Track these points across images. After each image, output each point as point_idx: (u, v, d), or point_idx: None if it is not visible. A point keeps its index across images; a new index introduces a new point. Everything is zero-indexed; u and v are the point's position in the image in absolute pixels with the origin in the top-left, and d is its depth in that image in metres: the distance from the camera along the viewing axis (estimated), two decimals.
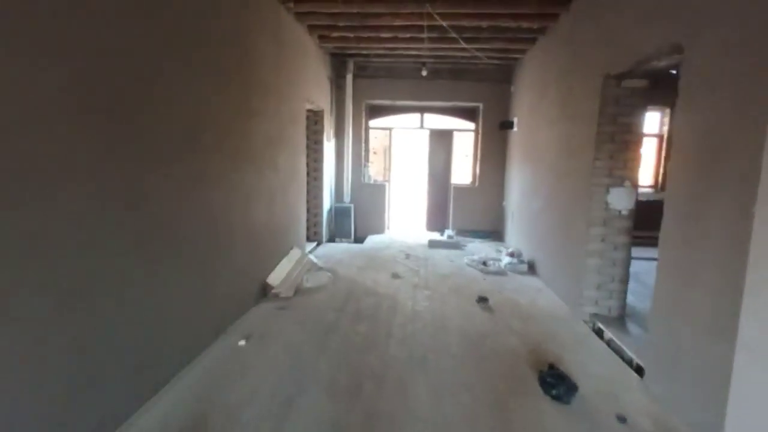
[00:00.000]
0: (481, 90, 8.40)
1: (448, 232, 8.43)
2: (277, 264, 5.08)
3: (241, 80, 4.02)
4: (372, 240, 8.19)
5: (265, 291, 4.68)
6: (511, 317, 4.32)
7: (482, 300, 4.64)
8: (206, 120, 3.35)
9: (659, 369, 2.93)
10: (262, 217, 4.61)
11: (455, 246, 7.64)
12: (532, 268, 6.05)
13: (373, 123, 9.10)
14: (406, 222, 10.51)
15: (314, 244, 7.51)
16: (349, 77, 8.17)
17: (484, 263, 6.28)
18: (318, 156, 7.54)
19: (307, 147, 7.36)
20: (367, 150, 9.07)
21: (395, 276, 5.69)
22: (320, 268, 5.88)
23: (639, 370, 3.23)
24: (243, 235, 4.11)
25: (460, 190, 8.83)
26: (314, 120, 7.46)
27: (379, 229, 8.90)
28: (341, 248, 7.40)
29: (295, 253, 5.60)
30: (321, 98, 7.21)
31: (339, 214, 8.17)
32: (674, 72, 3.45)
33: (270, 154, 4.79)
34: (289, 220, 5.61)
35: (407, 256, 6.87)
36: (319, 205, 7.66)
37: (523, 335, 3.89)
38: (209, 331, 3.51)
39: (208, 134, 3.39)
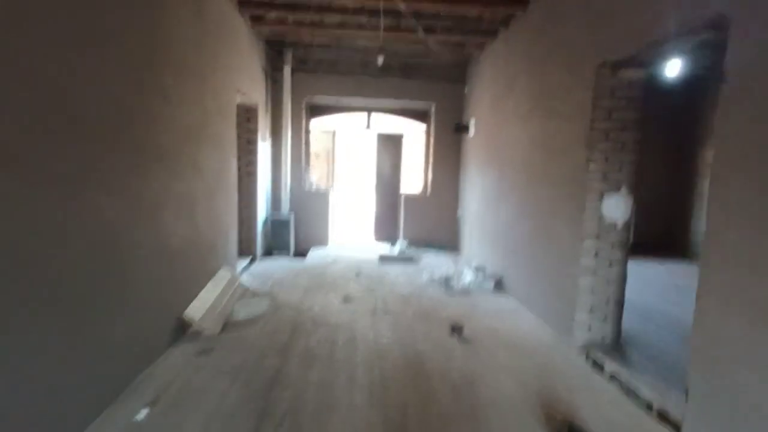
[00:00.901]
0: (433, 89, 7.77)
1: (400, 244, 7.67)
2: (200, 291, 4.00)
3: (149, 54, 2.97)
4: (316, 254, 7.21)
5: (183, 328, 3.59)
6: (496, 350, 3.58)
7: (457, 329, 3.87)
8: (89, 95, 2.29)
9: (710, 427, 2.27)
10: (180, 231, 3.53)
11: (409, 260, 6.88)
12: (499, 285, 5.41)
13: (314, 123, 8.16)
14: (352, 233, 9.62)
15: (248, 260, 6.41)
16: (287, 70, 7.19)
17: (447, 281, 5.56)
18: (252, 158, 6.48)
19: (239, 147, 6.30)
20: (308, 153, 8.11)
21: (347, 299, 4.79)
22: (255, 294, 4.83)
23: (663, 417, 2.59)
24: (151, 256, 3.03)
25: (412, 199, 8.11)
26: (246, 116, 6.40)
27: (323, 241, 7.95)
28: (280, 265, 6.36)
29: (222, 275, 4.53)
30: (254, 91, 6.18)
31: (277, 225, 7.12)
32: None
33: (190, 151, 3.74)
34: (216, 234, 4.54)
35: (358, 273, 5.99)
36: (253, 215, 6.58)
37: (517, 374, 3.15)
38: (93, 400, 2.41)
39: (93, 115, 2.33)
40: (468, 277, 5.61)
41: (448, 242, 8.06)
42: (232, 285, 4.52)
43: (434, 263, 6.83)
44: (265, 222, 7.06)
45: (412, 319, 4.23)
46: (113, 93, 2.54)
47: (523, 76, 5.00)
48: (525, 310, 4.60)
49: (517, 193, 5.02)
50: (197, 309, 3.73)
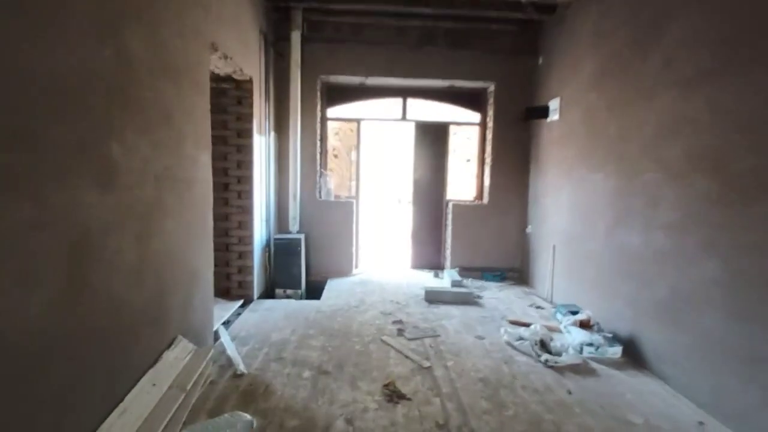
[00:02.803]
0: (491, 64, 5.74)
1: (449, 274, 5.63)
2: (118, 406, 2.04)
3: None
4: (335, 291, 5.22)
5: None
6: None
7: None
8: None
9: None
10: (49, 299, 1.59)
11: (467, 299, 4.83)
12: (631, 352, 3.34)
13: (333, 112, 6.21)
14: (383, 257, 7.62)
15: (238, 303, 4.46)
16: (296, 37, 5.26)
17: (543, 344, 3.50)
18: (245, 158, 4.55)
19: (226, 142, 4.39)
20: (324, 151, 6.16)
21: (393, 394, 2.78)
22: (234, 414, 2.86)
23: None
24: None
25: (462, 209, 6.06)
26: (235, 96, 4.48)
27: (345, 270, 5.97)
28: (285, 312, 4.37)
29: (171, 362, 2.56)
30: (246, 60, 4.24)
31: (282, 250, 5.16)
32: None
33: (78, 133, 1.80)
34: (165, 287, 2.59)
35: (399, 328, 3.97)
36: (248, 239, 4.64)
37: None
38: None
39: None
40: (573, 335, 3.55)
41: (512, 268, 5.98)
42: (191, 377, 2.54)
43: (503, 303, 4.77)
44: (266, 246, 5.10)
45: None
46: None
47: (687, 12, 2.93)
48: (711, 418, 2.51)
49: (675, 208, 2.94)
50: None
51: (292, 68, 5.29)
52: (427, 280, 5.82)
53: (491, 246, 6.02)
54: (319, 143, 5.95)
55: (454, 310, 4.52)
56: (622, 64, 3.70)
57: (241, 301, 4.55)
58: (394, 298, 4.93)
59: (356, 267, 6.31)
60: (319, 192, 5.92)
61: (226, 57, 3.66)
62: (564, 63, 4.86)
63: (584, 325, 3.69)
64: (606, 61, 3.98)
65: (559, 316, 4.23)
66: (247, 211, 4.59)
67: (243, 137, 4.52)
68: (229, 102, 4.46)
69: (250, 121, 4.50)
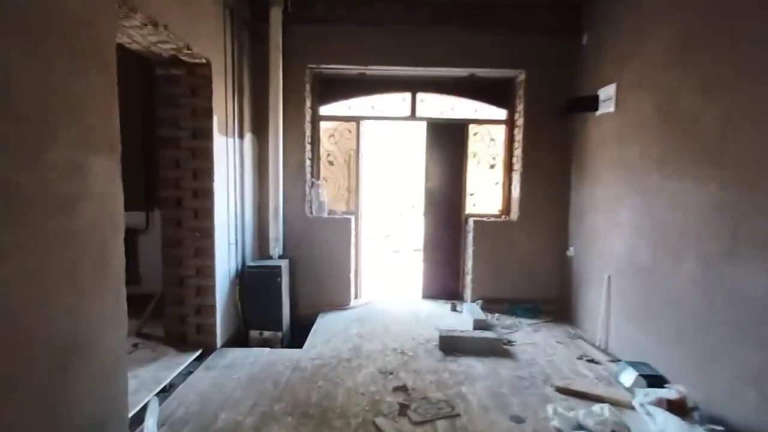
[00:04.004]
0: (521, 48, 4.61)
1: (471, 307, 4.48)
2: None
3: None
4: (325, 332, 4.11)
5: None
6: None
7: None
8: None
9: None
10: None
11: (494, 348, 3.67)
12: None
13: (327, 109, 5.15)
14: (389, 281, 6.53)
15: (191, 357, 3.39)
16: (276, 15, 4.22)
17: None
18: (203, 166, 3.50)
19: (177, 145, 3.36)
20: (316, 157, 5.09)
21: None
22: None
23: None
24: None
25: (485, 226, 4.91)
26: (189, 84, 3.44)
27: (341, 301, 4.86)
28: (246, 372, 3.27)
29: None
30: (194, 30, 3.19)
31: (257, 282, 4.07)
32: None
33: None
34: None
35: (402, 402, 2.83)
36: (209, 270, 3.57)
37: None
38: None
39: None
40: (665, 427, 2.37)
41: (549, 300, 4.79)
42: None
43: (542, 352, 3.60)
44: (236, 277, 4.03)
45: None
46: None
47: None
48: None
49: None
50: None
51: (272, 54, 4.25)
52: (442, 315, 4.67)
53: (522, 272, 4.84)
54: (309, 147, 4.89)
55: (478, 366, 3.36)
56: (726, 27, 2.54)
57: (197, 353, 3.47)
58: (399, 344, 3.80)
59: (356, 297, 5.19)
60: (310, 207, 4.85)
61: (155, 25, 2.61)
62: (621, 38, 3.70)
63: (675, 407, 2.50)
64: (694, 25, 2.81)
65: (625, 377, 3.05)
66: (208, 233, 3.53)
67: (200, 138, 3.47)
68: (180, 92, 3.43)
69: (209, 118, 3.45)
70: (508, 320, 4.48)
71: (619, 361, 3.39)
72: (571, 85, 4.53)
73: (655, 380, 2.88)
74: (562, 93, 4.55)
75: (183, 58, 3.23)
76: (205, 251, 3.54)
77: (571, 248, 4.58)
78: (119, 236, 2.24)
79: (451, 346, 3.70)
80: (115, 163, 2.20)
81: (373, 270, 7.11)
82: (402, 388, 2.99)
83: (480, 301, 4.73)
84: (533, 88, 4.67)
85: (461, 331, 3.89)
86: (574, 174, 4.60)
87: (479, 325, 4.05)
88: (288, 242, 4.68)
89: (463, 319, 4.48)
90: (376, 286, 5.91)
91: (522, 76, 4.72)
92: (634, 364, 3.09)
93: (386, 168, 11.86)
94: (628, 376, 3.01)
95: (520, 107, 4.81)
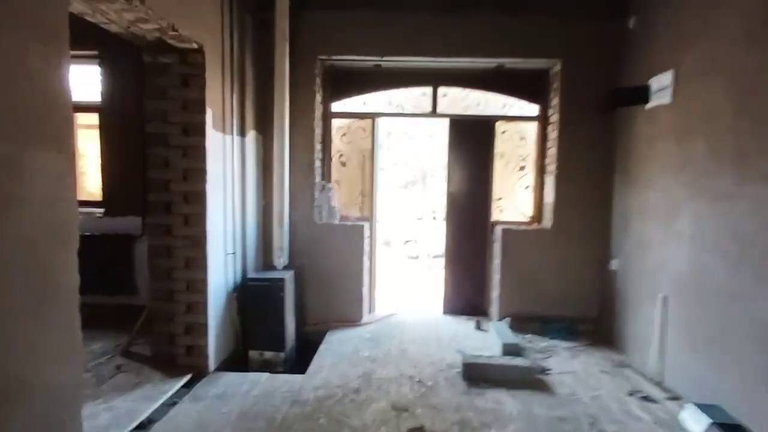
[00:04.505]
0: (557, 34, 4.09)
1: (498, 327, 3.96)
2: None
3: None
4: (332, 354, 3.65)
5: None
6: None
7: None
8: None
9: None
10: None
11: (527, 378, 3.15)
12: None
13: (340, 106, 4.71)
14: (407, 293, 6.05)
15: (178, 384, 2.97)
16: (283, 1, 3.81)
17: None
18: (195, 165, 3.09)
19: (166, 142, 2.98)
20: (328, 158, 4.65)
21: None
22: None
23: None
24: None
25: (514, 235, 4.37)
26: (179, 74, 3.05)
27: (353, 316, 4.40)
28: (237, 405, 2.82)
29: None
30: (182, 10, 2.77)
31: (258, 297, 3.63)
32: None
33: None
34: None
35: None
36: (201, 284, 3.15)
37: None
38: None
39: None
40: None
41: (587, 318, 4.23)
42: None
43: (584, 384, 3.06)
44: (234, 291, 3.60)
45: None
46: None
47: None
48: None
49: None
50: None
51: (278, 42, 3.83)
52: (465, 334, 4.16)
53: (556, 287, 4.29)
54: (319, 147, 4.46)
55: (509, 402, 2.85)
56: None
57: (186, 378, 3.06)
58: (416, 370, 3.32)
59: (370, 311, 4.73)
60: (319, 212, 4.41)
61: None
62: (681, 16, 3.15)
63: None
64: None
65: (693, 424, 2.49)
66: (199, 243, 3.11)
67: (192, 135, 3.07)
68: (169, 82, 3.04)
69: (202, 111, 3.05)
70: (541, 342, 3.94)
71: (680, 398, 2.84)
72: (615, 75, 3.99)
73: (733, 431, 2.32)
74: (604, 85, 4.02)
75: (170, 41, 2.82)
76: (197, 262, 3.13)
77: (614, 261, 4.02)
78: (70, 250, 1.82)
79: (476, 374, 3.19)
80: (66, 159, 1.78)
81: (390, 279, 6.64)
82: (418, 431, 2.51)
83: (508, 319, 4.20)
84: (570, 79, 4.13)
85: (488, 357, 3.37)
86: (617, 176, 4.03)
87: (509, 349, 3.53)
88: (295, 251, 4.25)
89: (489, 340, 3.96)
90: (392, 298, 5.43)
91: (557, 67, 4.18)
92: (703, 407, 2.53)
93: (404, 170, 11.38)
94: (698, 423, 2.45)
95: (554, 101, 4.28)
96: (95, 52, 4.35)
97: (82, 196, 4.52)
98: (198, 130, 3.05)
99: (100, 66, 4.42)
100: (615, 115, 4.01)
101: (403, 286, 6.43)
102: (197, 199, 3.09)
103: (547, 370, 3.35)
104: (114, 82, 4.44)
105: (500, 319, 4.28)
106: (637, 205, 3.66)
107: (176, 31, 2.68)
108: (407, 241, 12.03)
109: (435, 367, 3.38)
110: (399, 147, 12.64)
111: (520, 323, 4.22)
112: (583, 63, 4.09)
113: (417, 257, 11.60)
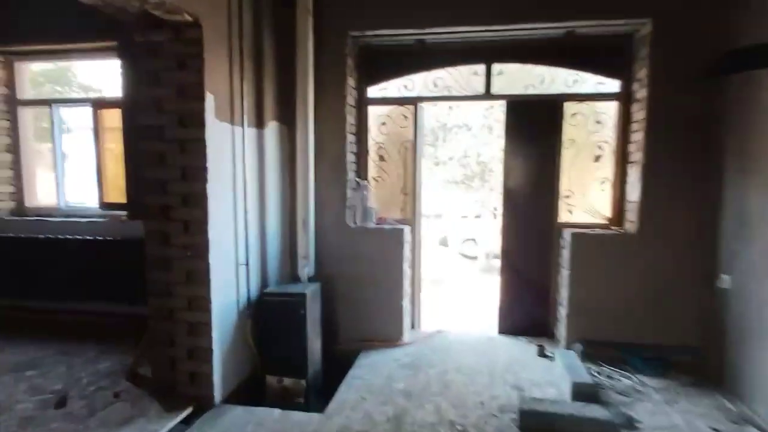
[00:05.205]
0: None
1: (567, 356, 3.18)
2: None
3: None
4: (361, 385, 3.06)
5: None
6: None
7: None
8: None
9: None
10: None
11: None
12: None
13: (376, 90, 4.09)
14: (456, 305, 5.37)
15: (175, 419, 2.53)
16: None
17: None
18: (194, 163, 2.62)
19: (161, 136, 2.58)
20: (363, 151, 4.06)
21: None
22: None
23: None
24: None
25: (588, 241, 3.54)
26: (174, 54, 2.59)
27: (391, 334, 3.79)
28: None
29: None
30: None
31: (275, 315, 3.12)
32: None
33: None
34: None
35: None
36: (203, 301, 2.68)
37: None
38: None
39: None
40: None
41: (685, 348, 3.33)
42: None
43: None
44: (247, 309, 3.10)
45: None
46: None
47: None
48: None
49: None
50: None
51: (300, 16, 3.29)
52: (525, 362, 3.41)
53: (642, 306, 3.43)
54: (353, 138, 3.88)
55: None
56: None
57: (186, 412, 2.61)
58: (459, 412, 2.66)
59: (413, 327, 4.11)
60: (353, 214, 3.84)
61: None
62: None
63: None
64: None
65: None
66: (201, 254, 2.64)
67: (189, 126, 2.60)
68: (163, 65, 2.58)
69: (200, 98, 2.56)
70: (623, 381, 3.11)
71: None
72: (726, 35, 3.05)
73: None
74: (711, 47, 3.09)
75: (155, 12, 2.35)
76: (198, 276, 2.66)
77: (725, 277, 3.09)
78: None
79: (538, 425, 2.48)
80: None
81: (443, 284, 5.98)
82: None
83: (580, 346, 3.41)
84: (664, 43, 3.23)
85: (553, 403, 2.63)
86: (731, 164, 3.08)
87: (582, 390, 2.76)
88: (324, 260, 3.72)
89: (555, 371, 3.20)
90: (442, 308, 4.78)
91: (646, 28, 3.30)
92: None
93: (461, 165, 10.59)
94: None
95: (641, 73, 3.40)
96: (114, 43, 4.05)
97: (109, 198, 4.31)
98: (196, 120, 2.57)
99: (120, 59, 4.12)
100: (726, 86, 3.07)
101: (456, 293, 5.75)
102: (197, 202, 2.62)
103: (636, 422, 2.56)
104: (136, 77, 4.12)
105: (569, 345, 3.49)
106: (763, 204, 2.73)
107: (175, 5, 2.19)
108: (465, 241, 11.30)
109: (484, 410, 2.70)
110: (455, 140, 11.88)
111: (595, 349, 3.41)
112: (682, 21, 3.18)
113: (476, 257, 10.83)
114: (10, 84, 4.45)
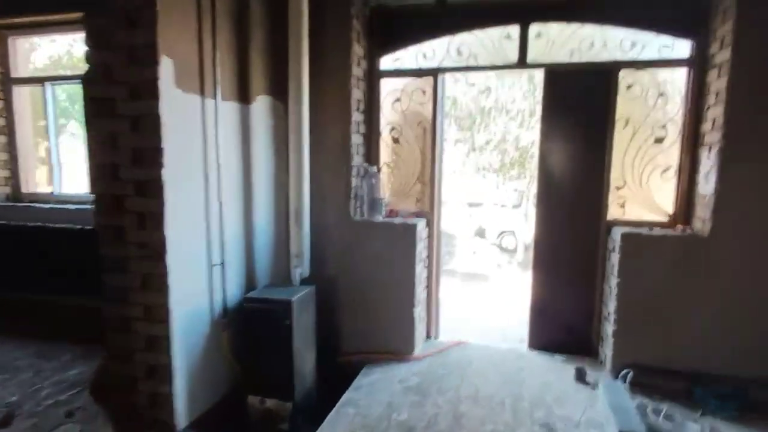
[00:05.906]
0: None
1: (612, 387, 2.54)
2: None
3: None
4: (352, 413, 2.55)
5: None
6: None
7: None
8: None
9: None
10: None
11: None
12: None
13: (389, 61, 3.50)
14: (484, 307, 4.78)
15: None
16: None
17: None
18: (148, 143, 2.14)
19: (112, 111, 2.05)
20: (374, 132, 3.49)
21: None
22: None
23: None
24: None
25: (643, 243, 2.85)
26: (123, 7, 2.08)
27: (400, 347, 3.25)
28: None
29: None
30: None
31: (256, 324, 2.64)
32: None
33: None
34: None
35: None
36: (161, 309, 2.23)
37: None
38: None
39: None
40: None
41: (767, 385, 2.62)
42: None
43: None
44: (222, 318, 2.63)
45: None
46: None
47: None
48: None
49: None
50: None
51: None
52: (559, 392, 2.79)
53: (716, 326, 2.73)
54: (360, 117, 3.33)
55: None
56: None
57: None
58: None
59: (428, 337, 3.56)
60: (360, 206, 3.30)
61: None
62: None
63: None
64: None
65: None
66: (158, 253, 2.18)
67: (140, 98, 2.11)
68: (112, 22, 2.09)
69: (153, 62, 2.07)
70: (690, 422, 2.45)
71: None
72: None
73: None
74: None
75: None
76: (155, 280, 2.21)
77: None
78: None
79: None
80: None
81: (473, 282, 5.38)
82: None
83: (630, 373, 2.75)
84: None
85: None
86: None
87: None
88: (324, 259, 3.21)
89: (596, 407, 2.57)
90: (466, 312, 4.20)
91: None
92: None
93: (499, 151, 9.85)
94: None
95: (723, 29, 2.64)
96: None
97: None
98: (148, 90, 2.09)
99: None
100: None
101: (489, 290, 5.15)
102: (154, 190, 2.16)
103: None
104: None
105: (616, 370, 2.84)
106: None
107: None
108: (503, 233, 10.62)
109: None
110: (492, 124, 11.06)
111: (649, 380, 2.75)
112: None
113: (514, 250, 10.17)
114: (4, 60, 4.15)
